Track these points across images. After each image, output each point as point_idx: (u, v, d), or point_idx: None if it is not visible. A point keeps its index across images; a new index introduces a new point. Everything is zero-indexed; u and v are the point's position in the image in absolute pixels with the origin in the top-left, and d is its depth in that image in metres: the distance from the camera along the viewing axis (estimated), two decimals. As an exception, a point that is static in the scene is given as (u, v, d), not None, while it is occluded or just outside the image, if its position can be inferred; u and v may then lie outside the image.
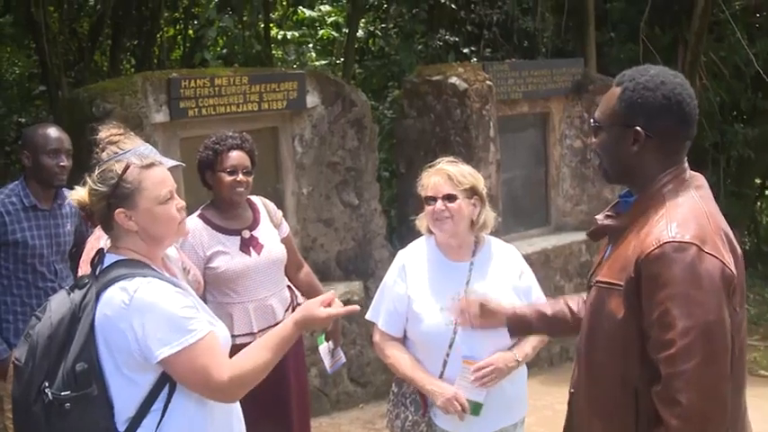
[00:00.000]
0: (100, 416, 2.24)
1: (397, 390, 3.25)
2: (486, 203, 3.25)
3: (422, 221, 3.30)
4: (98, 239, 3.11)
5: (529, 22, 9.78)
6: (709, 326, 1.94)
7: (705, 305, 1.94)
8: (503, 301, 3.15)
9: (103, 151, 3.17)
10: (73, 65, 9.52)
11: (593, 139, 2.26)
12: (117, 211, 2.32)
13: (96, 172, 2.37)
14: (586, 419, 2.24)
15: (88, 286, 2.30)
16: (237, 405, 2.52)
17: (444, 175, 3.18)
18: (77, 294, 2.29)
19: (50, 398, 2.20)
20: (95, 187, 2.35)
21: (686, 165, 2.19)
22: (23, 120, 8.77)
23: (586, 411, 2.24)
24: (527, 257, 6.83)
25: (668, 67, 7.19)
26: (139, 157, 2.38)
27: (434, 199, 3.15)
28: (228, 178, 3.64)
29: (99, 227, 3.20)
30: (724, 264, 1.99)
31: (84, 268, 3.07)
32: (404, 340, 3.26)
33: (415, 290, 3.19)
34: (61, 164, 4.04)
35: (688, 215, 2.05)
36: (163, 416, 2.28)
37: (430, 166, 3.26)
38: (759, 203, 11.62)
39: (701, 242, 1.99)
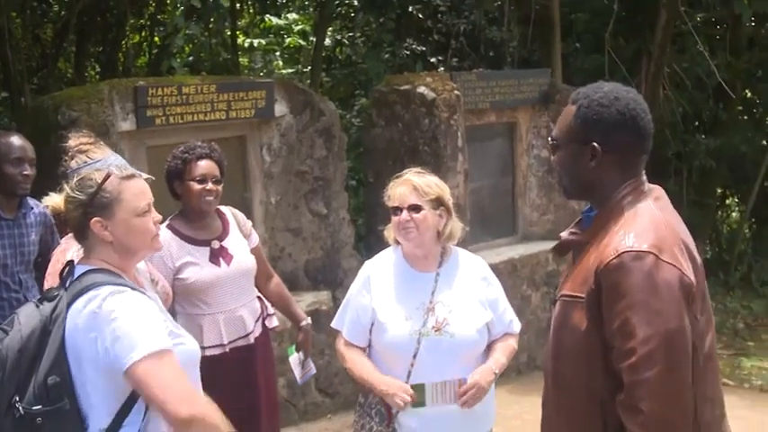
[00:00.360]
0: (71, 430, 2.21)
1: (363, 401, 3.25)
2: (453, 214, 3.26)
3: (389, 232, 3.31)
4: (64, 252, 3.06)
5: (495, 32, 9.85)
6: (670, 334, 1.96)
7: (664, 313, 1.96)
8: (467, 310, 3.16)
9: (72, 159, 3.13)
10: (36, 71, 9.40)
11: (552, 157, 2.30)
12: (93, 220, 2.30)
13: (75, 179, 2.35)
14: (556, 430, 2.25)
15: (58, 298, 2.27)
16: None
17: (410, 185, 3.19)
18: (47, 307, 2.26)
19: (22, 412, 2.16)
20: (73, 195, 2.33)
21: (644, 177, 2.23)
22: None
23: (555, 424, 2.25)
24: (494, 267, 6.88)
25: (632, 77, 7.25)
26: (120, 168, 2.37)
27: (400, 209, 3.17)
28: (198, 187, 3.60)
29: (66, 239, 3.17)
30: (682, 272, 2.02)
31: (51, 281, 3.02)
32: (369, 350, 3.26)
33: (380, 300, 3.19)
34: (24, 173, 3.99)
35: (646, 225, 2.08)
36: (140, 429, 2.25)
37: (397, 177, 3.28)
38: (720, 213, 11.79)
39: (659, 251, 2.01)
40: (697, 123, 10.64)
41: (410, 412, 3.09)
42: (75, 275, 2.32)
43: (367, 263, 3.36)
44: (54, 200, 2.39)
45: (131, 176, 2.38)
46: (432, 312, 3.14)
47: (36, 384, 2.18)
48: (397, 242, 3.29)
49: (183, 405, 2.15)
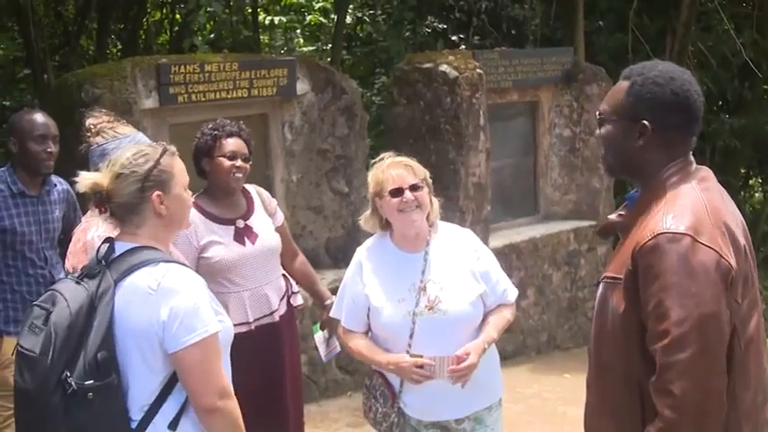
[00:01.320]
0: (119, 405, 2.24)
1: (368, 383, 3.29)
2: (432, 191, 3.28)
3: (368, 221, 3.31)
4: (85, 231, 3.05)
5: (517, 10, 9.76)
6: (704, 317, 1.93)
7: (698, 296, 1.93)
8: (459, 285, 3.15)
9: (98, 135, 3.14)
10: (58, 48, 9.43)
11: (598, 131, 2.26)
12: (155, 194, 2.34)
13: (125, 155, 2.37)
14: (597, 415, 2.24)
15: (101, 275, 2.28)
16: None
17: (405, 166, 3.20)
18: (91, 283, 2.27)
19: (74, 387, 2.17)
20: (132, 169, 2.34)
21: (691, 158, 2.19)
22: (7, 103, 8.69)
23: (597, 407, 2.24)
24: (515, 246, 6.94)
25: (656, 56, 7.17)
26: (166, 145, 2.45)
27: (401, 190, 3.14)
28: (228, 163, 3.60)
29: (86, 217, 3.17)
30: (720, 255, 1.98)
31: (72, 260, 3.00)
32: (369, 333, 3.28)
33: (372, 285, 3.21)
34: (48, 150, 4.00)
35: (686, 206, 2.04)
36: (185, 405, 2.28)
37: (376, 162, 3.27)
38: (743, 193, 11.69)
39: (696, 233, 1.98)
40: (721, 103, 10.54)
41: (413, 390, 3.12)
42: (118, 252, 2.33)
43: (358, 249, 3.36)
44: (93, 177, 2.36)
45: (175, 153, 2.46)
46: (423, 292, 3.14)
47: (86, 360, 2.19)
48: (383, 228, 3.28)
49: (214, 397, 2.26)
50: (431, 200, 3.23)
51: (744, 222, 2.21)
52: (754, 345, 2.09)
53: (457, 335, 3.12)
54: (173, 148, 2.46)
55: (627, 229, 2.20)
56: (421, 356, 3.07)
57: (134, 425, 2.26)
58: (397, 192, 3.14)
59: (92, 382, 2.18)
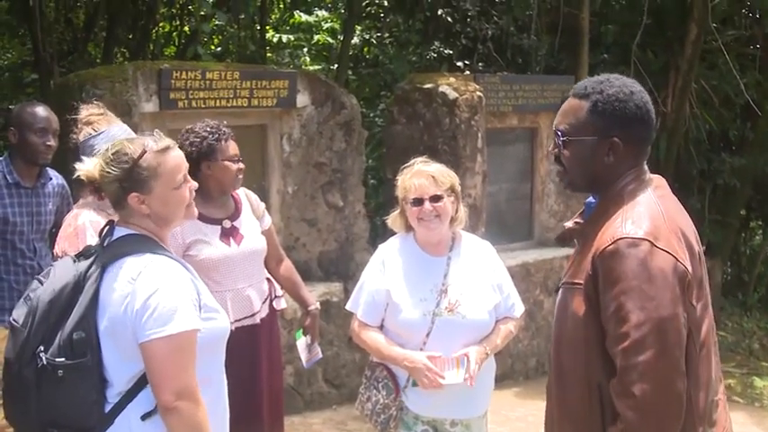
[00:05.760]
0: (91, 387, 2.24)
1: (369, 374, 3.37)
2: (461, 199, 3.38)
3: (395, 221, 3.41)
4: (76, 217, 3.11)
5: (523, 40, 9.84)
6: (662, 320, 1.98)
7: (657, 299, 1.99)
8: (478, 293, 3.26)
9: (81, 132, 3.18)
10: (66, 54, 9.51)
11: (559, 151, 2.25)
12: (131, 195, 2.33)
13: (109, 153, 2.35)
14: (557, 420, 2.26)
15: (95, 257, 2.31)
16: (225, 394, 2.52)
17: (428, 176, 3.28)
18: (83, 264, 2.30)
19: (44, 362, 2.20)
20: (108, 170, 2.34)
21: (645, 167, 2.25)
22: (13, 107, 8.73)
23: (556, 412, 2.26)
24: (508, 270, 6.91)
25: (659, 91, 7.24)
26: (155, 140, 2.37)
27: (421, 200, 3.25)
28: (234, 167, 3.65)
29: (78, 205, 3.22)
30: (677, 259, 2.04)
31: (62, 244, 3.06)
32: (383, 329, 3.35)
33: (395, 283, 3.30)
34: (48, 143, 4.05)
35: (643, 213, 2.10)
36: None
37: (405, 168, 3.37)
38: (743, 234, 11.65)
39: (654, 238, 2.04)
40: (722, 142, 10.56)
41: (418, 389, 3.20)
42: (114, 237, 2.35)
43: (381, 247, 3.46)
44: (87, 168, 2.38)
45: (167, 149, 2.38)
46: (445, 294, 3.25)
47: (62, 338, 2.21)
48: (407, 230, 3.39)
49: (171, 396, 2.22)
50: (457, 208, 3.34)
51: (696, 231, 2.26)
52: (706, 348, 2.14)
53: (470, 339, 3.25)
54: (164, 144, 2.38)
55: (585, 235, 2.24)
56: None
57: (108, 408, 2.27)
58: (418, 201, 3.25)
59: (63, 360, 2.20)
